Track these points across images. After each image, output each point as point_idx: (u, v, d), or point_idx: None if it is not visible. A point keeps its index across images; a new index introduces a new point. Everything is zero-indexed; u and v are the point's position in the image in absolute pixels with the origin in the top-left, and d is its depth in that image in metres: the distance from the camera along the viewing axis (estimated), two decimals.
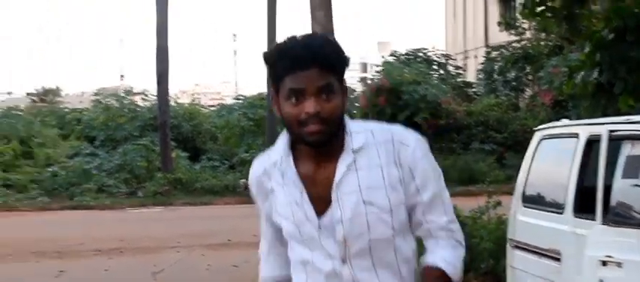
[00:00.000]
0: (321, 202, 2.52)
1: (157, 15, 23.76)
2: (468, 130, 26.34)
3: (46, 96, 45.93)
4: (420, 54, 33.58)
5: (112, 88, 39.89)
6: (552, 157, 6.29)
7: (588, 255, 5.00)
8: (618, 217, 5.00)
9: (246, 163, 19.86)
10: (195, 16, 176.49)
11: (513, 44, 29.96)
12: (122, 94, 31.21)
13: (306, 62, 2.42)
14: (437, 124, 25.19)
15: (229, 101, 33.94)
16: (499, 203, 9.10)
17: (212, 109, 33.49)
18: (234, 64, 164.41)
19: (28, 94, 47.84)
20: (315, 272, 2.58)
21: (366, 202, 2.49)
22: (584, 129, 5.72)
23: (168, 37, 23.81)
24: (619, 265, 4.84)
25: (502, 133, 26.18)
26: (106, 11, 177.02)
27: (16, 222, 17.82)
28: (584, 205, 5.42)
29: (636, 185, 5.00)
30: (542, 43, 27.36)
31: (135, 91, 32.36)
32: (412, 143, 2.53)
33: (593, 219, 5.15)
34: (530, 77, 29.00)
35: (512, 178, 7.65)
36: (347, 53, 2.52)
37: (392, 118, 24.29)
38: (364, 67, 73.14)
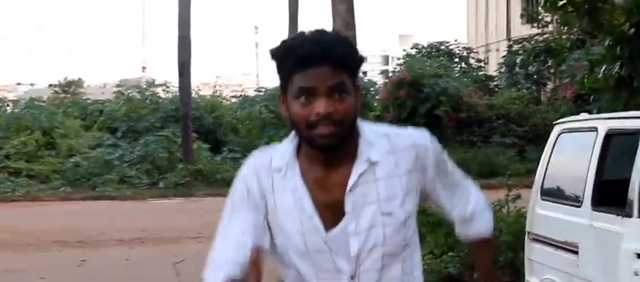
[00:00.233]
0: (330, 212, 2.34)
1: (178, 5, 23.80)
2: (489, 123, 26.25)
3: (69, 87, 46.07)
4: (442, 47, 33.63)
5: (134, 79, 40.08)
6: (571, 151, 6.31)
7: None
8: None
9: None
10: (217, 8, 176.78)
11: (535, 37, 29.82)
12: (144, 86, 31.38)
13: (318, 59, 2.24)
14: (458, 117, 25.14)
15: (251, 93, 33.95)
16: (518, 196, 9.09)
17: (233, 101, 33.54)
18: (256, 57, 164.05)
19: (50, 85, 48.03)
20: None
21: (384, 213, 2.35)
22: (603, 123, 5.72)
23: (190, 27, 23.83)
24: None
25: (523, 126, 26.05)
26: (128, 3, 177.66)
27: (39, 212, 17.95)
28: (602, 199, 5.45)
29: None
30: (564, 36, 27.21)
31: (157, 82, 32.49)
32: (430, 144, 2.48)
33: (618, 213, 5.16)
34: (552, 71, 28.85)
35: (532, 172, 7.64)
36: (361, 52, 2.36)
37: (413, 111, 24.36)
38: (386, 60, 73.19)
